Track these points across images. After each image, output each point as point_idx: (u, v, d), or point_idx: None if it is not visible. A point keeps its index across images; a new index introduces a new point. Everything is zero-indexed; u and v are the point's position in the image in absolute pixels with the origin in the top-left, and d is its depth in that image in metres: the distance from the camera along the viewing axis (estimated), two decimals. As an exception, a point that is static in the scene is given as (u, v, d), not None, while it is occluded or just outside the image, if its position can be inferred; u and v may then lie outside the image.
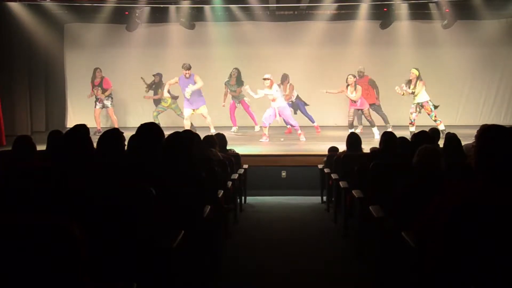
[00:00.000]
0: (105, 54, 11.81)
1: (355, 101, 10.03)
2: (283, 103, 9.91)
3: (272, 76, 9.83)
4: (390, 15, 11.61)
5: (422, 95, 9.74)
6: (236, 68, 10.90)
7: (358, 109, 10.25)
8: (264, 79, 9.73)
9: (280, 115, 9.87)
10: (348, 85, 9.99)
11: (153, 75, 11.12)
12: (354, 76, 10.06)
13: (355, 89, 9.95)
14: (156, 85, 11.13)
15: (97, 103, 10.93)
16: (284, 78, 10.67)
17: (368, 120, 10.19)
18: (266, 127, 9.85)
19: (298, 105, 10.92)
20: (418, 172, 3.32)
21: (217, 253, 4.26)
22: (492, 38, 11.81)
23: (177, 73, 11.31)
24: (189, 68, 10.10)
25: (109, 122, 11.35)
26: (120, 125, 10.65)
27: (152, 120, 9.95)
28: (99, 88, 10.89)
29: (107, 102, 10.91)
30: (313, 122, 10.91)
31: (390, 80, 11.17)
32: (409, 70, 10.10)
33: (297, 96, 10.89)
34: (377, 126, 10.10)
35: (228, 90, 10.91)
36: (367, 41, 11.90)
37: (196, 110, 10.26)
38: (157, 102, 11.14)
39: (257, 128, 10.86)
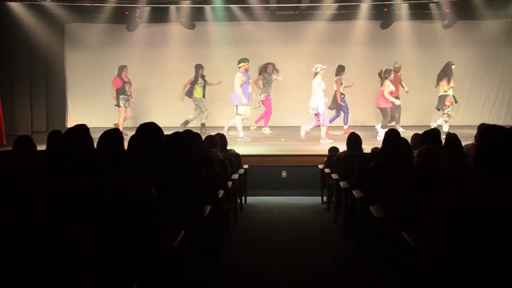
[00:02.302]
0: (105, 54, 11.81)
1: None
2: None
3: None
4: (391, 15, 11.61)
5: None
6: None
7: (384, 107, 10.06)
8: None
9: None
10: (386, 79, 9.88)
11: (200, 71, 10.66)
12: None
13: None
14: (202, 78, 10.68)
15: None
16: (341, 70, 10.43)
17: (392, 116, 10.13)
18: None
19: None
20: (419, 172, 3.33)
21: (217, 253, 4.27)
22: (493, 39, 11.81)
23: (177, 72, 11.36)
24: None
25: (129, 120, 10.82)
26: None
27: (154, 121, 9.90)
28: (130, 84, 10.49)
29: (121, 102, 10.38)
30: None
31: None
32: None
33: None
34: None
35: (263, 81, 10.55)
36: (368, 41, 11.89)
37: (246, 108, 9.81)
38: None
39: (267, 131, 10.65)
